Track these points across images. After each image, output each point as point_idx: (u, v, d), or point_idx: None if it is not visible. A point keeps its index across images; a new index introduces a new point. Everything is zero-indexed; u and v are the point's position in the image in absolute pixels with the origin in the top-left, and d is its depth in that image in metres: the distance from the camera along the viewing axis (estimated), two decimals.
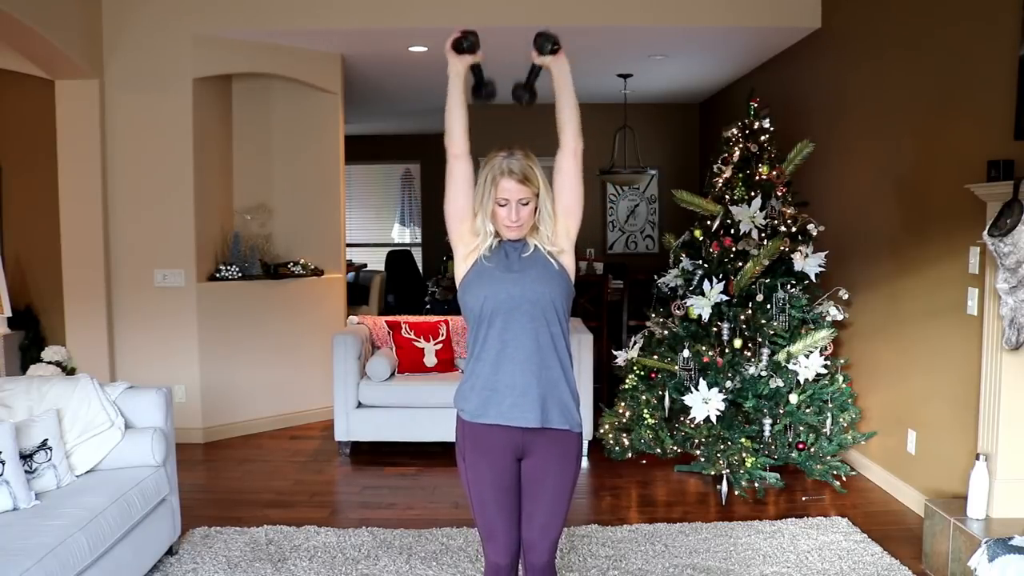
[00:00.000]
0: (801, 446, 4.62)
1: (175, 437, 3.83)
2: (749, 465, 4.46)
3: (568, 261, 2.43)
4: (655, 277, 5.44)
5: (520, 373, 2.31)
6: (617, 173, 7.83)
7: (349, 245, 8.71)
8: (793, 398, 4.62)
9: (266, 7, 5.42)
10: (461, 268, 2.41)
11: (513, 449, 2.37)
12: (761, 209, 4.87)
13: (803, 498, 4.52)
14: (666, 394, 4.86)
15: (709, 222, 4.98)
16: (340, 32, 5.59)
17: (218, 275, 5.73)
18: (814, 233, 4.90)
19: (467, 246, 2.40)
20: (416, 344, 5.57)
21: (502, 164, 2.33)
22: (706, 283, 4.80)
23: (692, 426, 4.68)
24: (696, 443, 4.73)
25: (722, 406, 4.51)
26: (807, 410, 4.66)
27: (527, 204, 2.33)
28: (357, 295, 9.24)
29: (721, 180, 5.06)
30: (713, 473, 4.55)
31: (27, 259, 6.19)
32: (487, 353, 2.34)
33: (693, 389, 4.60)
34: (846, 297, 4.90)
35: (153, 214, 5.48)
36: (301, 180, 6.30)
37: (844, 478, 4.67)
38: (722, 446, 4.56)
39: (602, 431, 5.20)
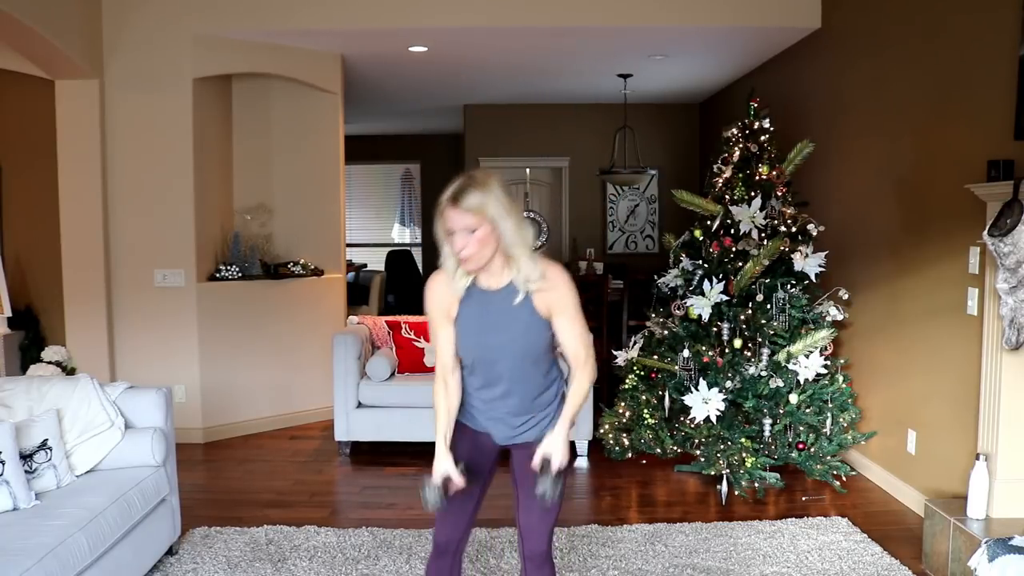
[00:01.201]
0: (801, 446, 4.62)
1: (175, 437, 3.83)
2: (749, 465, 4.46)
3: (550, 287, 2.29)
4: (655, 277, 5.44)
5: (499, 409, 2.43)
6: (617, 173, 7.83)
7: (349, 245, 8.71)
8: (793, 398, 4.62)
9: (266, 7, 5.42)
10: (453, 310, 2.38)
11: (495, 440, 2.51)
12: (761, 209, 4.86)
13: (803, 498, 4.52)
14: (666, 394, 4.86)
15: (709, 222, 4.98)
16: (340, 32, 5.58)
17: (218, 275, 5.73)
18: (814, 233, 4.90)
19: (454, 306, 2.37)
20: (416, 344, 5.57)
21: (445, 194, 2.23)
22: (706, 283, 4.80)
23: (692, 426, 4.68)
24: (696, 443, 4.73)
25: (722, 406, 4.51)
26: (807, 410, 4.66)
27: (475, 231, 2.18)
28: (357, 295, 9.25)
29: (721, 180, 5.05)
30: (713, 473, 4.55)
31: (27, 259, 6.19)
32: (470, 384, 2.46)
33: (693, 389, 4.60)
34: (846, 297, 4.90)
35: (153, 214, 5.47)
36: (301, 180, 6.30)
37: (844, 478, 4.67)
38: (722, 446, 4.56)
39: (602, 431, 5.19)
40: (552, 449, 2.31)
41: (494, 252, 2.23)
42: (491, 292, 2.31)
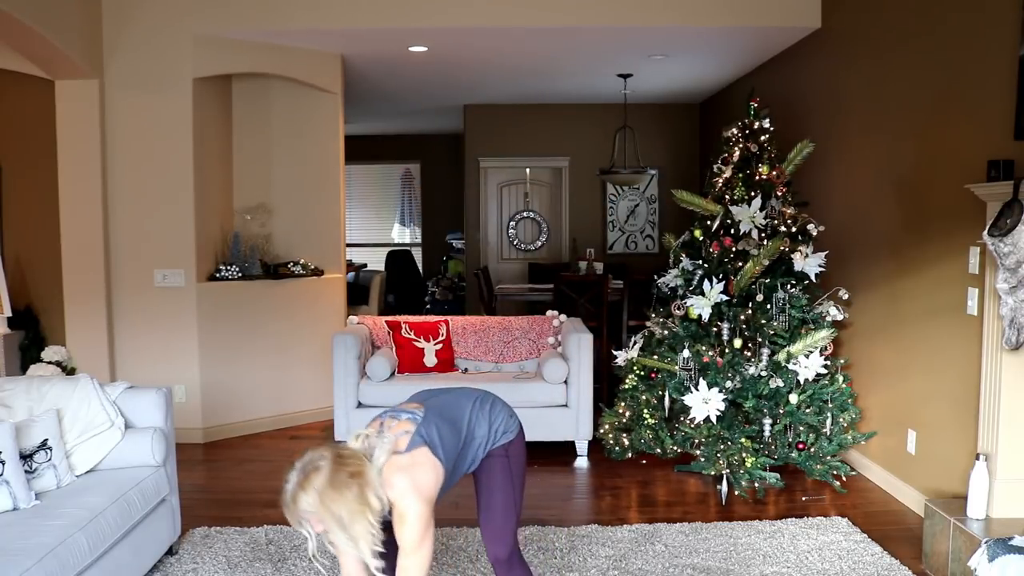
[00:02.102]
0: (801, 446, 4.62)
1: (175, 437, 3.83)
2: (749, 465, 4.46)
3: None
4: (655, 277, 5.44)
5: None
6: (617, 173, 7.83)
7: (349, 245, 8.71)
8: (793, 398, 4.62)
9: (266, 7, 5.42)
10: None
11: None
12: (761, 209, 4.86)
13: (803, 498, 4.52)
14: (666, 394, 4.86)
15: (709, 222, 4.98)
16: (340, 32, 5.59)
17: (218, 275, 5.73)
18: (814, 233, 4.90)
19: None
20: (416, 344, 5.57)
21: (286, 486, 2.28)
22: (706, 283, 4.80)
23: (692, 426, 4.68)
24: (696, 443, 4.73)
25: (722, 406, 4.51)
26: (807, 410, 4.66)
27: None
28: (357, 295, 9.26)
29: (721, 180, 5.05)
30: (713, 473, 4.55)
31: (27, 259, 6.19)
32: None
33: (693, 389, 4.60)
34: (846, 297, 4.90)
35: (153, 214, 5.47)
36: (301, 180, 6.30)
37: (844, 478, 4.67)
38: (722, 446, 4.56)
39: (602, 431, 5.20)
40: None
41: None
42: None
